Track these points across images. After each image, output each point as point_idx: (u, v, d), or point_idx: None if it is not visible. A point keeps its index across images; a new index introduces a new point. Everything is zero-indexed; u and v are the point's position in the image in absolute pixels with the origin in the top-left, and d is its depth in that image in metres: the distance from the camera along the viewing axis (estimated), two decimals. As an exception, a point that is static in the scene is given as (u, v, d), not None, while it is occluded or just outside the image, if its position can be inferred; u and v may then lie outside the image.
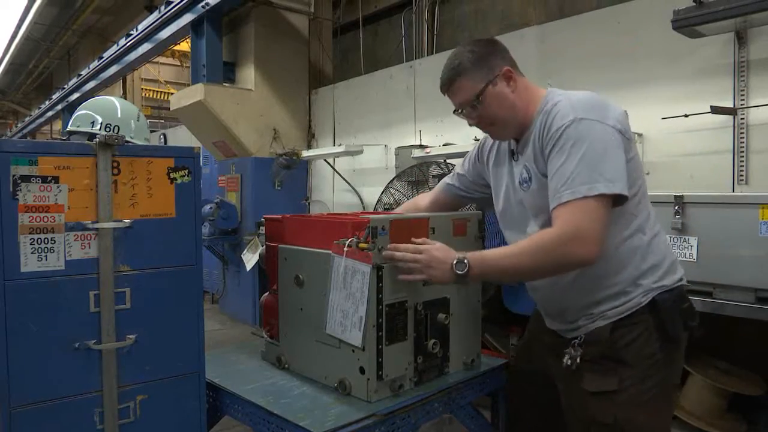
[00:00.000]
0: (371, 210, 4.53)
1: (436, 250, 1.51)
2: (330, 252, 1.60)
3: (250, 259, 4.91)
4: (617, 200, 1.39)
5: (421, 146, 4.52)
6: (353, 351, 1.55)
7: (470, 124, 1.62)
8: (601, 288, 1.49)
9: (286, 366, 1.82)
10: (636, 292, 1.47)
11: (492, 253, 1.50)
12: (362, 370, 1.54)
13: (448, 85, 1.59)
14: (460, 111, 1.60)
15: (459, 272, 1.46)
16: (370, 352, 1.53)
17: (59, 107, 10.33)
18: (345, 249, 1.54)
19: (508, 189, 1.66)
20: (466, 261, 1.45)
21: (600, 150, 1.37)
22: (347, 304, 1.56)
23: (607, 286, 1.48)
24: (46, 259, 1.37)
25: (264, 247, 1.92)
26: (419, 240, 1.57)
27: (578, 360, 1.49)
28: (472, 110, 1.57)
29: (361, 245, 1.51)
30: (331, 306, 1.61)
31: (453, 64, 1.57)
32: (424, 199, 1.98)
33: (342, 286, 1.57)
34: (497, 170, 1.73)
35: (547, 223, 1.45)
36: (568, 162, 1.38)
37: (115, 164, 1.45)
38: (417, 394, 1.62)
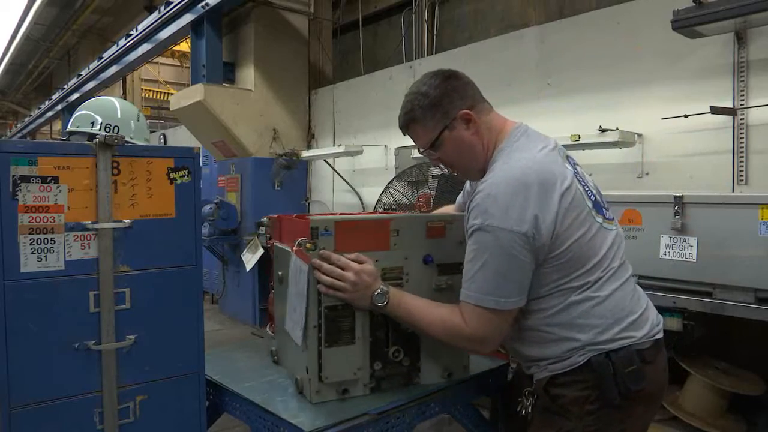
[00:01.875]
0: (371, 210, 4.53)
1: (367, 273, 1.49)
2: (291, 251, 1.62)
3: (250, 259, 4.92)
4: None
5: (421, 146, 4.52)
6: (303, 350, 1.56)
7: (434, 165, 1.62)
8: (541, 344, 1.45)
9: (275, 360, 1.87)
10: (574, 351, 1.40)
11: (411, 302, 1.52)
12: (307, 370, 1.55)
13: (403, 129, 1.57)
14: (422, 152, 1.58)
15: (378, 304, 1.49)
16: (312, 352, 1.52)
17: (59, 107, 10.33)
18: (294, 248, 1.55)
19: None
20: (387, 296, 1.49)
21: (498, 265, 1.34)
22: (296, 302, 1.59)
23: (546, 343, 1.44)
24: (46, 260, 1.37)
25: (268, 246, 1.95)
26: (352, 255, 1.51)
27: (530, 409, 1.50)
28: (431, 153, 1.54)
29: (308, 245, 1.51)
30: (288, 304, 1.65)
31: (406, 109, 1.52)
32: (449, 208, 1.95)
33: (294, 284, 1.60)
34: None
35: None
36: (472, 264, 1.39)
37: (115, 164, 1.45)
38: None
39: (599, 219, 1.43)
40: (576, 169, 1.49)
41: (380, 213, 3.04)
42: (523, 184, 1.34)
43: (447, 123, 1.47)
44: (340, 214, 2.03)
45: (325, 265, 1.49)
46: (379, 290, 1.48)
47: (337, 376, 1.55)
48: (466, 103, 1.48)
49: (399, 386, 1.63)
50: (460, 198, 1.88)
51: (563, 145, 1.58)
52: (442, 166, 1.60)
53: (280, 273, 1.76)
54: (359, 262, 1.51)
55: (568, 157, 1.52)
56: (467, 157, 1.49)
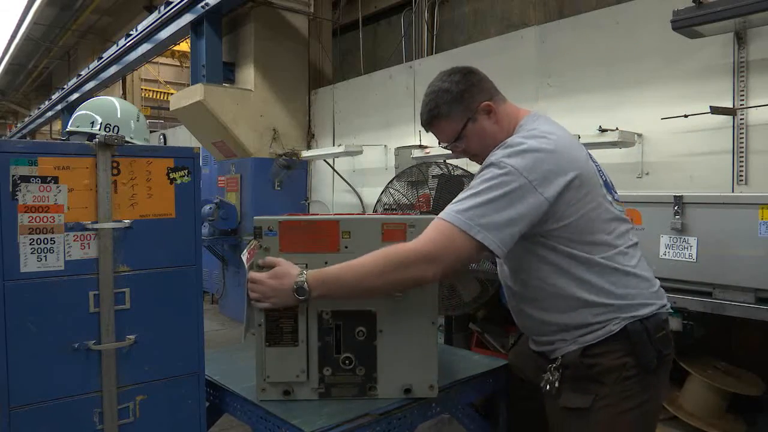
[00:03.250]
0: (371, 211, 4.53)
1: (271, 278, 1.45)
2: None
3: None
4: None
5: (420, 146, 4.53)
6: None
7: (456, 158, 1.63)
8: (573, 316, 1.47)
9: None
10: (607, 321, 1.44)
11: (333, 270, 1.42)
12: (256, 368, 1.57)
13: (428, 126, 1.61)
14: (445, 147, 1.63)
15: (300, 297, 1.42)
16: (257, 351, 1.54)
17: (59, 107, 10.34)
18: (248, 249, 1.56)
19: None
20: (305, 286, 1.40)
21: (492, 197, 1.34)
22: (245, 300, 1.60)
23: (577, 315, 1.46)
24: (46, 260, 1.37)
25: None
26: (262, 261, 1.49)
27: (556, 384, 1.48)
28: (456, 146, 1.59)
29: (253, 244, 1.52)
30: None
31: (430, 106, 1.56)
32: None
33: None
34: None
35: (524, 282, 1.52)
36: (463, 192, 1.39)
37: (115, 164, 1.45)
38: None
39: (609, 198, 1.49)
40: (587, 152, 1.56)
41: (380, 213, 3.04)
42: (543, 148, 1.38)
43: (470, 115, 1.53)
44: (336, 214, 2.02)
45: (249, 284, 1.49)
46: (295, 284, 1.41)
47: (279, 377, 1.54)
48: (486, 96, 1.55)
49: (352, 396, 1.57)
50: None
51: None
52: (457, 158, 1.66)
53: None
54: (271, 266, 1.48)
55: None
56: (488, 143, 1.53)
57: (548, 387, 1.49)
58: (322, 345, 1.55)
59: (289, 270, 1.45)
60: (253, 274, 1.49)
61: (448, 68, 1.60)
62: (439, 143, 1.63)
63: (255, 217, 1.53)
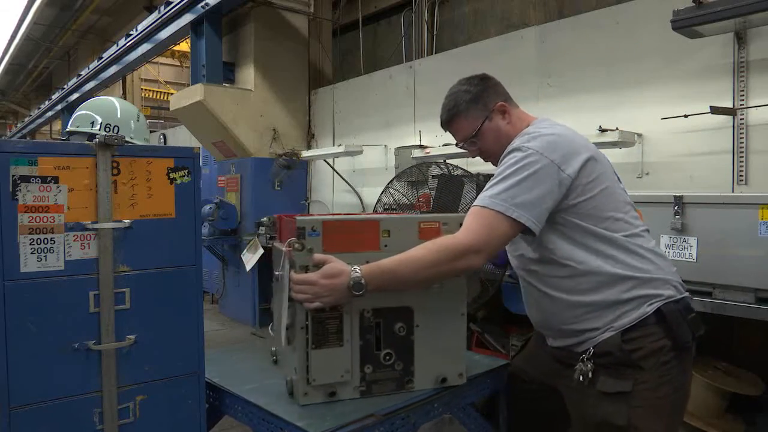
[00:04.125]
0: (371, 210, 4.53)
1: (324, 277, 1.44)
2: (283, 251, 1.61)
3: (250, 259, 4.91)
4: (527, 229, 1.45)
5: (420, 146, 4.52)
6: (292, 352, 1.56)
7: (471, 156, 1.73)
8: (605, 293, 1.49)
9: (275, 360, 1.86)
10: (638, 298, 1.48)
11: (388, 263, 1.46)
12: (296, 371, 1.55)
13: (447, 125, 1.72)
14: (460, 145, 1.72)
15: (357, 293, 1.42)
16: (300, 354, 1.52)
17: (59, 107, 10.34)
18: (284, 249, 1.55)
19: None
20: (362, 281, 1.42)
21: (522, 178, 1.44)
22: (282, 303, 1.58)
23: (608, 291, 1.49)
24: (46, 260, 1.37)
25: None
26: (313, 260, 1.49)
27: (590, 374, 1.49)
28: (472, 144, 1.69)
29: (295, 245, 1.50)
30: (279, 304, 1.64)
31: (450, 105, 1.69)
32: None
33: (283, 285, 1.59)
34: None
35: (552, 263, 1.55)
36: (492, 179, 1.49)
37: (115, 164, 1.45)
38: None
39: (621, 185, 1.63)
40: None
41: (380, 213, 3.04)
42: (557, 133, 1.53)
43: (487, 114, 1.65)
44: (335, 214, 2.03)
45: (296, 286, 1.48)
46: (351, 281, 1.42)
47: (324, 378, 1.53)
48: (501, 98, 1.68)
49: (391, 390, 1.61)
50: None
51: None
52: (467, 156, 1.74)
53: (276, 273, 1.74)
54: (322, 264, 1.48)
55: None
56: (501, 143, 1.62)
57: (581, 378, 1.50)
58: (364, 343, 1.57)
59: (341, 267, 1.46)
60: (302, 276, 1.47)
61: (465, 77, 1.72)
62: (456, 143, 1.74)
63: (297, 218, 1.52)
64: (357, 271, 1.43)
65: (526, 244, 1.62)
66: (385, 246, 1.58)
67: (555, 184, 1.45)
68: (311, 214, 1.75)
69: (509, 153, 1.51)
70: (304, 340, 1.51)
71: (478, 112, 1.65)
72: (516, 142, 1.52)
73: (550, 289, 1.58)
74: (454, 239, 1.46)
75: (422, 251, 1.46)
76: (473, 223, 1.46)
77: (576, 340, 1.56)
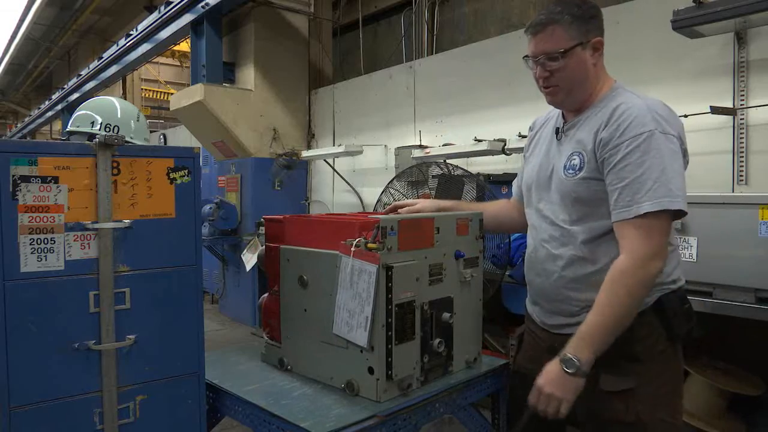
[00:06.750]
0: (371, 210, 4.53)
1: (546, 381, 1.43)
2: (337, 252, 1.59)
3: (250, 259, 4.92)
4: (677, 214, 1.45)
5: (420, 146, 4.52)
6: (362, 351, 1.55)
7: (536, 77, 1.58)
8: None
9: (289, 368, 1.80)
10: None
11: (590, 318, 1.41)
12: (371, 371, 1.53)
13: (540, 27, 1.53)
14: (535, 59, 1.56)
15: (584, 369, 1.39)
16: (380, 352, 1.52)
17: (59, 107, 10.34)
18: (352, 249, 1.54)
19: (543, 167, 1.66)
20: (575, 360, 1.39)
21: (677, 165, 1.42)
22: (353, 303, 1.55)
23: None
24: (46, 260, 1.37)
25: (263, 247, 1.91)
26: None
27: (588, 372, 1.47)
28: (550, 63, 1.53)
29: (370, 245, 1.51)
30: (338, 306, 1.60)
31: (555, 10, 1.51)
32: (501, 203, 2.03)
33: (349, 286, 1.56)
34: (538, 145, 1.74)
35: (584, 217, 1.51)
36: (648, 172, 1.39)
37: (115, 164, 1.45)
38: (423, 393, 1.62)
39: None
40: None
41: (380, 213, 3.03)
42: (665, 106, 1.50)
43: (584, 40, 1.51)
44: (340, 214, 2.03)
45: (531, 400, 1.47)
46: (564, 366, 1.40)
47: (402, 372, 1.58)
48: (601, 36, 1.55)
49: (439, 377, 1.71)
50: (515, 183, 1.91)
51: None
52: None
53: (304, 276, 1.71)
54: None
55: None
56: (579, 80, 1.54)
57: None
58: (423, 335, 1.64)
59: (548, 369, 1.44)
60: (536, 384, 1.45)
61: None
62: (533, 55, 1.56)
63: (381, 217, 1.54)
64: (568, 360, 1.39)
65: (564, 212, 1.56)
66: (437, 242, 1.67)
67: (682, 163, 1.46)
68: (315, 214, 1.75)
69: (648, 137, 1.41)
70: (385, 337, 1.52)
71: (578, 32, 1.49)
72: (649, 124, 1.42)
73: (575, 255, 1.54)
74: (634, 267, 1.39)
75: (614, 298, 1.39)
76: (643, 237, 1.41)
77: (573, 320, 1.53)
